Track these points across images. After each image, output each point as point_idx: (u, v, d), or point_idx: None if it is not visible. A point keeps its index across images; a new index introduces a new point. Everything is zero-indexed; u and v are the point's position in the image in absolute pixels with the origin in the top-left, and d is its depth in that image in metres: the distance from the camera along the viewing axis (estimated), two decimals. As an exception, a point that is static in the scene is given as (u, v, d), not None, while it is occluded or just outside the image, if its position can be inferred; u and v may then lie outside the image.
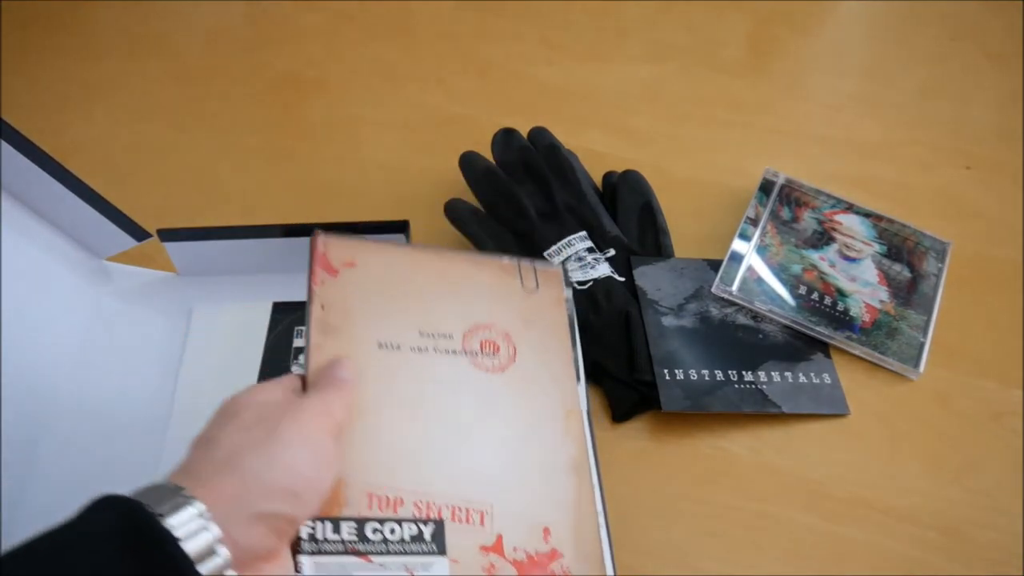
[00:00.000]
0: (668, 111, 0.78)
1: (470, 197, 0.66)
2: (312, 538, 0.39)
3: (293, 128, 0.77)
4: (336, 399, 0.42)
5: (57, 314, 0.59)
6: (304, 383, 0.44)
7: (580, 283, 0.61)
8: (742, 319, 0.61)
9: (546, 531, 0.45)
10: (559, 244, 0.63)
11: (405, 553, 0.41)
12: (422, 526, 0.42)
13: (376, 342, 0.47)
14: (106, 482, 0.53)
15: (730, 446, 0.57)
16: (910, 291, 0.64)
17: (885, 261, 0.65)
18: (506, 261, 0.54)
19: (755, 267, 0.63)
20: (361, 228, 0.59)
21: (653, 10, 0.87)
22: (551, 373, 0.50)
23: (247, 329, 0.60)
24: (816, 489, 0.55)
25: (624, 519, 0.53)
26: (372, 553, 0.40)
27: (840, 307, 0.62)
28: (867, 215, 0.68)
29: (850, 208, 0.68)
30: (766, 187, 0.68)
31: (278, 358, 0.59)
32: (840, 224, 0.67)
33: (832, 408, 0.58)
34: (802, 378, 0.59)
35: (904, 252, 0.66)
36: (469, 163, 0.67)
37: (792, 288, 0.62)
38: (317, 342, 0.45)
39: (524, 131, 0.70)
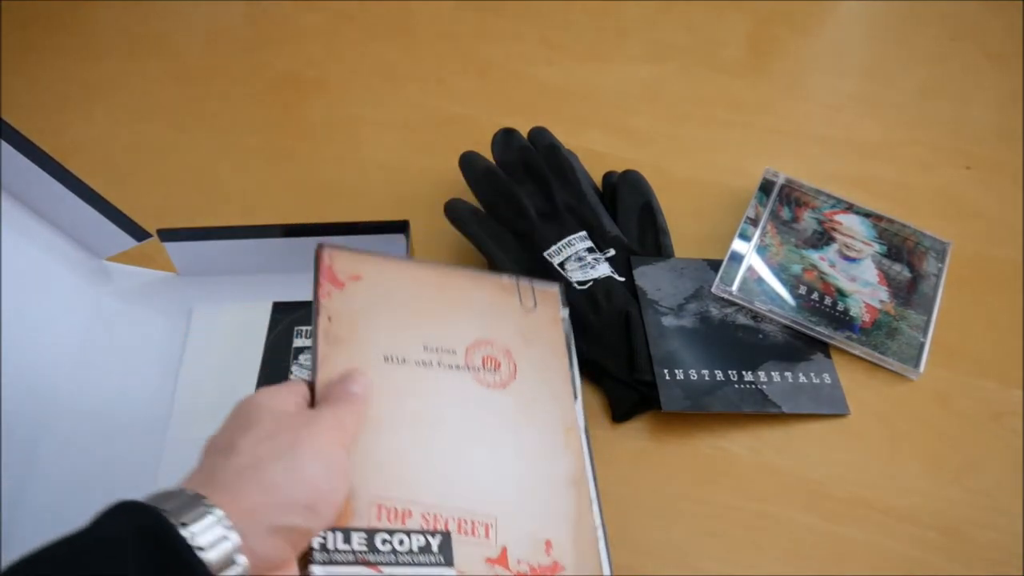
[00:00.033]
0: (668, 111, 0.78)
1: (470, 197, 0.66)
2: (323, 548, 0.40)
3: (293, 128, 0.77)
4: (349, 413, 0.43)
5: (57, 314, 0.59)
6: (312, 391, 0.44)
7: (580, 283, 0.61)
8: (742, 319, 0.61)
9: (548, 544, 0.45)
10: (559, 244, 0.63)
11: (414, 564, 0.41)
12: (430, 538, 0.42)
13: (382, 355, 0.47)
14: (106, 482, 0.54)
15: (730, 446, 0.57)
16: (910, 291, 0.64)
17: (885, 261, 0.65)
18: (505, 280, 0.54)
19: (755, 267, 0.63)
20: (361, 228, 0.59)
21: (653, 10, 0.87)
22: (551, 390, 0.51)
23: (247, 329, 0.60)
24: (816, 489, 0.55)
25: (624, 519, 0.53)
26: (382, 564, 0.41)
27: (840, 307, 0.62)
28: (867, 215, 0.68)
29: (850, 208, 0.68)
30: (766, 187, 0.68)
31: (278, 358, 0.59)
32: (840, 224, 0.67)
33: (832, 408, 0.58)
34: (802, 378, 0.59)
35: (904, 252, 0.66)
36: (469, 163, 0.67)
37: (792, 288, 0.62)
38: (324, 353, 0.45)
39: (524, 131, 0.70)
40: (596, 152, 0.72)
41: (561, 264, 0.62)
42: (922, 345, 0.61)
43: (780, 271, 0.63)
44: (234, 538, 0.34)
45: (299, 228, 0.60)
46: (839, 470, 0.56)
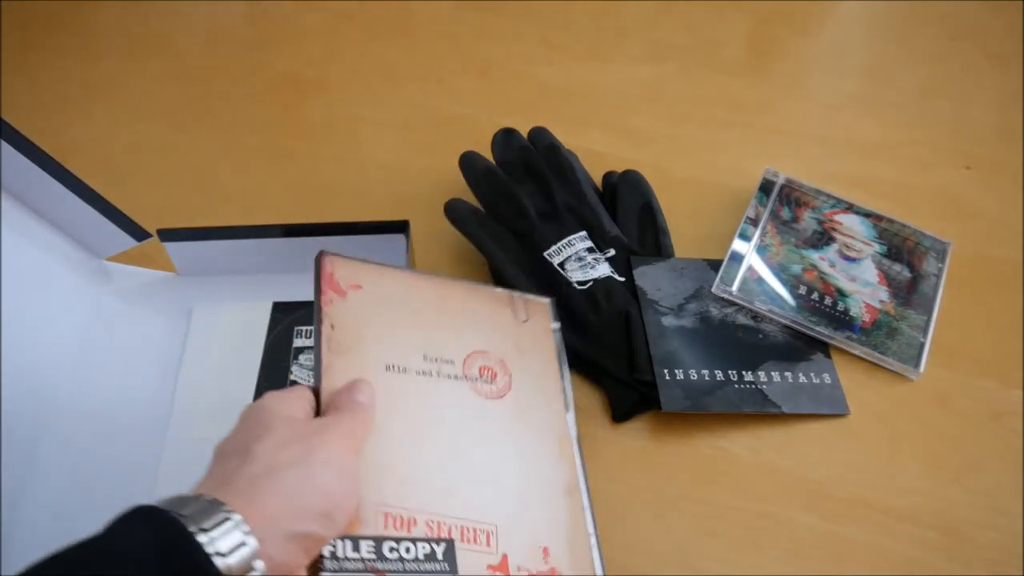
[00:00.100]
0: (668, 111, 0.78)
1: (470, 197, 0.66)
2: (334, 556, 0.40)
3: (293, 128, 0.77)
4: (358, 423, 0.43)
5: (57, 314, 0.59)
6: (317, 398, 0.44)
7: (580, 283, 0.61)
8: (742, 319, 0.61)
9: (545, 551, 0.46)
10: (559, 244, 0.63)
11: (420, 572, 0.42)
12: (435, 545, 0.43)
13: (384, 364, 0.48)
14: (106, 482, 0.54)
15: (730, 446, 0.57)
16: (910, 291, 0.64)
17: (885, 261, 0.65)
18: (499, 291, 0.55)
19: (755, 267, 0.63)
20: (361, 228, 0.59)
21: (653, 10, 0.87)
22: (544, 401, 0.52)
23: (247, 329, 0.60)
24: (816, 489, 0.55)
25: (624, 519, 0.53)
26: (390, 571, 0.41)
27: (840, 307, 0.62)
28: (867, 215, 0.68)
29: (850, 208, 0.68)
30: (766, 187, 0.68)
31: (278, 358, 0.59)
32: (840, 224, 0.67)
33: (832, 408, 0.58)
34: (802, 378, 0.59)
35: (904, 252, 0.66)
36: (469, 163, 0.67)
37: (792, 288, 0.62)
38: (328, 361, 0.46)
39: (524, 131, 0.70)
40: (596, 152, 0.72)
41: (561, 264, 0.62)
42: (922, 345, 0.61)
43: (780, 271, 0.63)
44: (252, 543, 0.34)
45: (299, 228, 0.60)
46: (839, 470, 0.56)
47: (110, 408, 0.57)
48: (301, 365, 0.59)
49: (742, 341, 0.60)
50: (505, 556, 0.45)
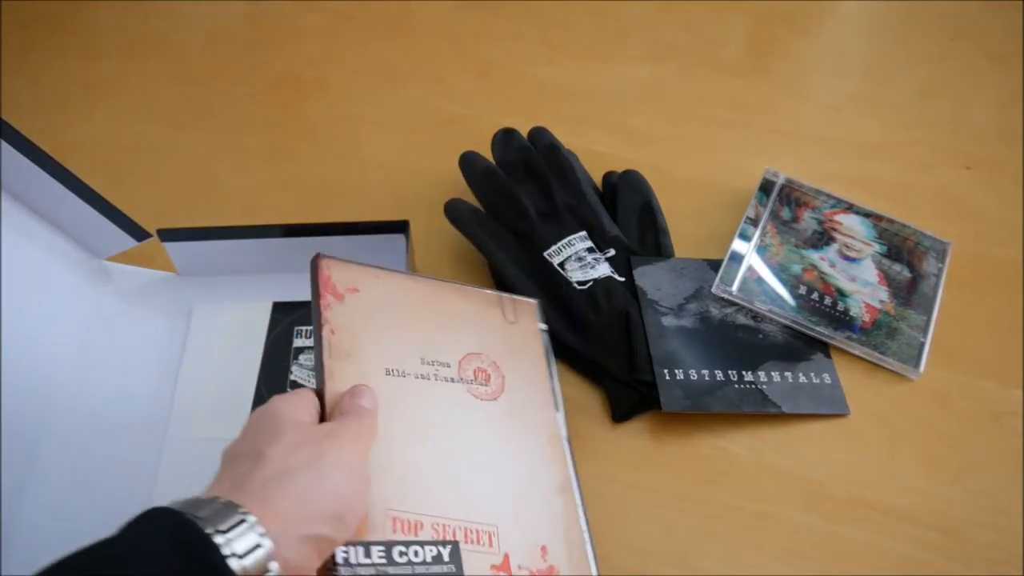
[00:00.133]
0: (668, 111, 0.78)
1: (470, 197, 0.66)
2: (347, 562, 0.41)
3: (293, 128, 0.77)
4: (364, 427, 0.44)
5: (57, 314, 0.59)
6: (321, 401, 0.44)
7: (580, 283, 0.61)
8: (742, 319, 0.61)
9: (543, 549, 0.47)
10: (559, 244, 0.63)
11: (428, 574, 0.43)
12: (441, 548, 0.44)
13: (384, 368, 0.48)
14: (106, 482, 0.54)
15: (730, 446, 0.57)
16: (910, 291, 0.64)
17: (885, 261, 0.65)
18: (488, 293, 0.56)
19: (755, 267, 0.63)
20: (361, 228, 0.59)
21: (653, 10, 0.87)
22: (535, 401, 0.53)
23: (247, 329, 0.60)
24: (816, 489, 0.55)
25: (624, 519, 0.53)
26: (400, 575, 0.42)
27: (840, 307, 0.62)
28: (867, 215, 0.68)
29: (850, 208, 0.68)
30: (766, 187, 0.68)
31: (278, 358, 0.59)
32: (840, 224, 0.67)
33: (832, 408, 0.58)
34: (802, 378, 0.59)
35: (904, 252, 0.66)
36: (469, 163, 0.67)
37: (792, 288, 0.62)
38: (330, 366, 0.46)
39: (524, 131, 0.70)
40: (596, 152, 0.72)
41: (561, 264, 0.62)
42: (922, 345, 0.61)
43: (780, 271, 0.63)
44: (268, 545, 0.34)
45: (299, 228, 0.60)
46: (839, 470, 0.56)
47: (110, 408, 0.57)
48: (301, 365, 0.59)
49: (742, 341, 0.60)
50: (507, 555, 0.46)
